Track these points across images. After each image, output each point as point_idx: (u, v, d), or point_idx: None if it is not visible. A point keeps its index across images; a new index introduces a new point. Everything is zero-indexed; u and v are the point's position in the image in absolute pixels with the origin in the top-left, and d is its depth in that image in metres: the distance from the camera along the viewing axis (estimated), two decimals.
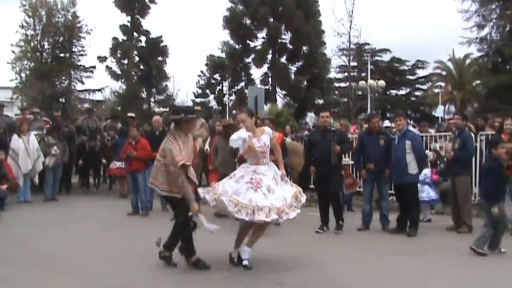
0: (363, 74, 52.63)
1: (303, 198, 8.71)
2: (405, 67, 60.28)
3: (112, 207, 16.52)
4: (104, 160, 20.15)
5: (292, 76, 51.43)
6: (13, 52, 46.09)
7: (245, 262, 8.37)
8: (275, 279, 7.76)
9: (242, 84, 51.98)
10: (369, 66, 48.97)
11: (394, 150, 12.07)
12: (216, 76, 55.61)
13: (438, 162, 14.72)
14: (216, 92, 55.90)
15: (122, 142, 16.87)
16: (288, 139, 17.90)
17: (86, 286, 7.32)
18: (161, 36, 53.11)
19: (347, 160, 14.13)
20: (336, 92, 58.47)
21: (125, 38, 51.77)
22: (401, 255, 9.69)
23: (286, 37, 51.90)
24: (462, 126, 12.92)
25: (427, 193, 13.65)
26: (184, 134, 8.45)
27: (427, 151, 14.64)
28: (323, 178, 12.29)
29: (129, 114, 22.31)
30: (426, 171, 13.67)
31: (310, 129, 21.50)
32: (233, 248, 8.77)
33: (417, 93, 61.77)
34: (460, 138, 12.51)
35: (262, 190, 8.23)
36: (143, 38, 53.02)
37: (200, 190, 8.67)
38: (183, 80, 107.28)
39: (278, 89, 51.63)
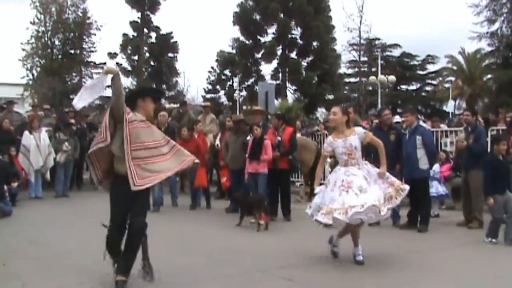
0: (373, 69, 52.53)
1: (399, 196, 8.59)
2: (415, 62, 60.06)
3: None
4: None
5: (303, 72, 51.40)
6: (23, 50, 46.18)
7: (358, 258, 8.59)
8: (285, 275, 7.77)
9: (252, 79, 51.94)
10: (379, 61, 48.90)
11: (405, 145, 12.06)
12: (227, 72, 55.54)
13: (448, 160, 14.76)
14: (227, 88, 55.82)
15: None
16: (298, 135, 17.90)
17: (95, 284, 7.33)
18: (172, 32, 53.18)
19: None
20: (347, 88, 58.37)
21: (135, 34, 51.86)
22: (412, 252, 9.67)
23: (296, 32, 51.97)
24: (473, 122, 12.92)
25: (435, 188, 13.66)
26: (141, 115, 7.28)
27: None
28: None
29: None
30: (435, 167, 13.65)
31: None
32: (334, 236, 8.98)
33: (427, 88, 61.56)
34: (473, 133, 12.50)
35: (354, 190, 8.22)
36: (153, 34, 53.12)
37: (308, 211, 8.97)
38: (194, 76, 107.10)
39: (288, 85, 51.60)
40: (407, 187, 8.73)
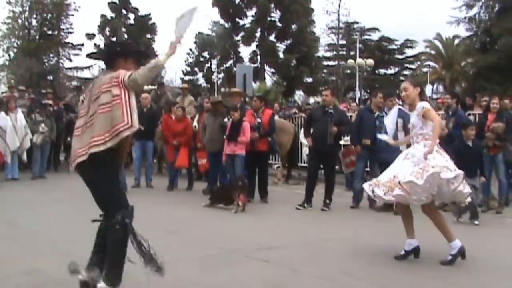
0: (351, 53, 52.68)
1: (407, 179, 7.64)
2: (394, 46, 60.20)
3: None
4: None
5: (281, 55, 51.42)
6: (0, 30, 45.83)
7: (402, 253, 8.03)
8: (262, 256, 7.78)
9: (231, 62, 51.89)
10: (358, 45, 49.01)
11: (384, 127, 12.06)
12: (205, 54, 55.44)
13: None
14: (205, 70, 55.78)
15: None
16: (276, 117, 17.91)
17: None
18: (150, 14, 53.10)
19: (347, 139, 14.16)
20: (325, 71, 58.42)
21: (113, 15, 51.69)
22: (385, 234, 9.72)
23: (275, 15, 51.89)
24: (453, 105, 12.99)
25: None
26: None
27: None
28: (319, 154, 12.39)
29: None
30: None
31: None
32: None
33: (405, 72, 61.70)
34: (454, 117, 12.56)
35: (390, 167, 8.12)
36: (131, 16, 53.06)
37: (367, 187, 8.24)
38: (172, 58, 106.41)
39: (266, 67, 51.65)
40: (433, 170, 7.56)
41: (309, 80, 51.62)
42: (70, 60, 49.75)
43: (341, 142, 13.61)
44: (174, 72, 73.03)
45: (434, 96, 47.38)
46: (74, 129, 5.82)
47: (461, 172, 7.65)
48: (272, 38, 52.34)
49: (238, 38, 52.15)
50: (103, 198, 5.91)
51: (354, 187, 12.97)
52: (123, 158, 6.15)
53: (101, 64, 49.11)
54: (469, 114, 14.77)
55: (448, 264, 7.55)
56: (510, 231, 10.61)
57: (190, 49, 55.98)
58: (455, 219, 10.51)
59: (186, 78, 53.86)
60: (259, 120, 13.37)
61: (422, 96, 8.24)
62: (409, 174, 7.55)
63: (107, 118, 5.46)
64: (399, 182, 7.57)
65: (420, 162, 7.59)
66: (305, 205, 12.26)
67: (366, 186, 8.23)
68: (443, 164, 7.58)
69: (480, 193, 11.03)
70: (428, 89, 54.57)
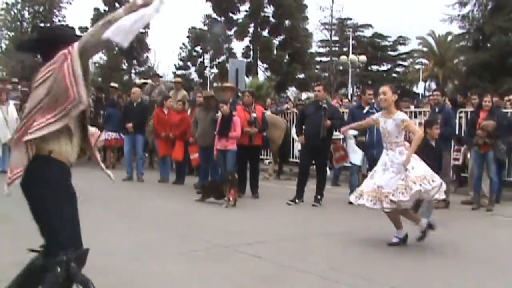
0: (344, 49, 52.78)
1: (408, 193, 8.04)
2: (386, 43, 60.33)
3: (92, 178, 16.44)
4: None
5: (274, 50, 51.42)
6: None
7: (393, 240, 8.57)
8: (252, 251, 7.79)
9: (224, 57, 51.87)
10: (350, 41, 49.08)
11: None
12: (198, 48, 55.39)
13: None
14: (197, 65, 55.70)
15: (115, 113, 17.26)
16: (268, 113, 17.93)
17: None
18: None
19: (337, 134, 14.19)
20: (318, 67, 58.48)
21: (106, 8, 51.43)
22: (376, 230, 9.74)
23: (269, 10, 51.89)
24: (442, 102, 13.04)
25: None
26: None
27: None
28: (311, 150, 12.41)
29: (112, 84, 22.51)
30: None
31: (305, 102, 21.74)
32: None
33: (398, 69, 61.89)
34: (441, 114, 12.58)
35: (370, 174, 8.64)
36: None
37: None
38: (164, 52, 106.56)
39: (259, 63, 51.63)
40: (415, 187, 8.02)
41: (302, 76, 51.65)
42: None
43: (334, 136, 13.61)
44: (166, 66, 73.07)
45: (427, 93, 47.48)
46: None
47: (439, 182, 8.24)
48: (265, 33, 52.35)
49: (231, 33, 52.13)
50: (45, 224, 4.72)
51: (351, 183, 13.00)
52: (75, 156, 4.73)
53: (94, 57, 49.08)
54: (461, 112, 14.81)
55: (421, 238, 8.48)
56: (501, 228, 10.64)
57: (183, 44, 55.95)
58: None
59: (179, 72, 53.73)
60: (254, 115, 13.40)
61: (398, 104, 8.77)
62: (396, 191, 8.04)
63: (48, 102, 4.13)
64: (386, 196, 8.08)
65: (401, 171, 8.13)
66: (296, 200, 12.27)
67: (352, 198, 8.75)
68: (422, 174, 8.15)
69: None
70: (421, 87, 54.72)
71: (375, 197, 8.19)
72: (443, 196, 8.61)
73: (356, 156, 12.79)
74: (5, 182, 4.57)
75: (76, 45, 4.15)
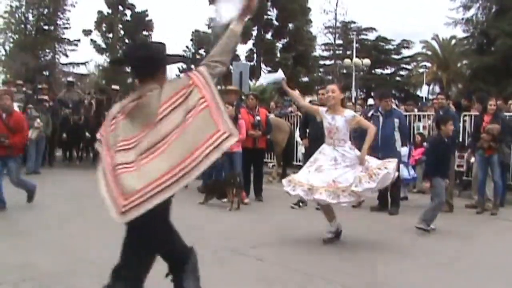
0: (348, 52, 52.70)
1: (372, 180, 8.28)
2: (390, 47, 60.28)
3: (95, 181, 16.43)
4: (88, 134, 20.27)
5: (278, 53, 51.44)
6: None
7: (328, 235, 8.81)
8: (256, 254, 7.79)
9: None
10: (354, 45, 48.98)
11: (382, 127, 12.03)
12: (201, 51, 55.41)
13: (424, 143, 14.79)
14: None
15: None
16: (272, 116, 17.93)
17: (66, 261, 7.29)
18: (147, 10, 52.99)
19: None
20: (321, 70, 58.50)
21: (110, 11, 51.58)
22: (379, 234, 9.74)
23: (272, 13, 51.92)
24: (446, 106, 13.02)
25: (401, 171, 13.62)
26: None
27: None
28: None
29: (113, 87, 22.54)
30: (403, 150, 13.64)
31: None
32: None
33: (402, 72, 61.82)
34: None
35: (311, 168, 8.53)
36: (128, 12, 52.90)
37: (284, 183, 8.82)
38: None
39: (263, 66, 51.60)
40: (381, 171, 8.36)
41: (306, 79, 51.66)
42: (66, 55, 49.71)
43: None
44: (169, 69, 73.20)
45: (431, 97, 47.45)
46: (116, 166, 4.20)
47: (395, 161, 8.78)
48: (268, 36, 52.37)
49: None
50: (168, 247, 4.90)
51: None
52: None
53: (97, 59, 49.00)
54: (465, 116, 14.79)
55: (329, 242, 8.66)
56: (505, 232, 10.61)
57: (187, 47, 56.04)
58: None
59: (182, 75, 53.76)
60: (258, 118, 13.41)
61: (344, 102, 9.08)
62: (359, 182, 8.21)
63: (189, 134, 4.12)
64: (343, 191, 8.21)
65: (356, 165, 8.38)
66: (300, 204, 12.25)
67: (285, 181, 8.82)
68: (380, 163, 8.56)
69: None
70: (424, 90, 54.62)
71: (332, 191, 8.18)
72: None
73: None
74: (113, 208, 4.24)
75: (205, 72, 4.41)
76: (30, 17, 47.46)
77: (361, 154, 8.47)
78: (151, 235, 4.48)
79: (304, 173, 8.57)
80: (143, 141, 4.17)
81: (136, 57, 4.55)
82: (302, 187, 8.36)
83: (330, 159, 8.45)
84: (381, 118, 12.15)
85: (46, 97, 19.30)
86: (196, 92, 4.26)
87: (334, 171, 8.34)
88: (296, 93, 10.06)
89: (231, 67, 38.33)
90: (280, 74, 8.98)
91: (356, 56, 45.54)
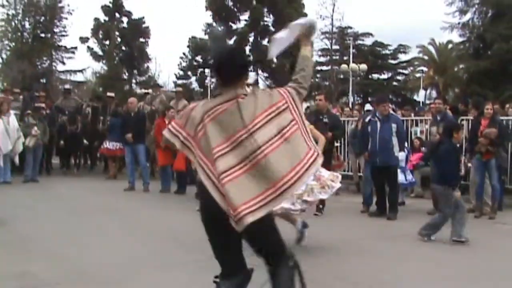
0: (345, 58, 52.73)
1: (324, 192, 8.43)
2: (387, 51, 60.24)
3: (93, 188, 16.48)
4: (85, 141, 20.32)
5: (274, 59, 51.46)
6: None
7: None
8: (252, 260, 7.76)
9: None
10: (351, 50, 49.07)
11: (379, 132, 12.05)
12: (198, 58, 55.44)
13: (422, 148, 14.79)
14: (198, 74, 55.73)
15: (118, 123, 17.27)
16: None
17: (64, 269, 7.28)
18: (143, 17, 52.96)
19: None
20: (318, 75, 58.40)
21: (107, 18, 51.56)
22: (379, 239, 9.73)
23: (269, 19, 51.95)
24: (443, 110, 13.03)
25: (399, 176, 13.61)
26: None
27: None
28: None
29: (108, 94, 22.59)
30: (400, 155, 13.60)
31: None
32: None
33: (399, 77, 61.78)
34: (443, 122, 12.57)
35: None
36: (125, 19, 52.84)
37: None
38: (165, 62, 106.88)
39: (260, 72, 51.63)
40: (336, 185, 8.51)
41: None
42: (63, 63, 49.71)
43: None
44: (167, 76, 73.02)
45: (428, 102, 47.48)
46: (220, 175, 4.22)
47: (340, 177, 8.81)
48: (265, 42, 52.38)
49: (231, 42, 52.17)
50: (270, 243, 4.86)
51: (363, 192, 13.00)
52: None
53: (94, 67, 49.01)
54: (462, 120, 14.80)
55: (300, 240, 8.56)
56: (504, 236, 10.61)
57: (184, 53, 56.02)
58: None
59: (180, 82, 53.78)
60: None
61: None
62: (311, 191, 8.26)
63: (286, 150, 4.33)
64: (298, 198, 8.16)
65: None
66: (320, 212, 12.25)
67: None
68: (329, 173, 8.67)
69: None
70: (421, 95, 54.69)
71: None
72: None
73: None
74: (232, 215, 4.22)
75: (295, 95, 4.64)
76: (27, 25, 47.47)
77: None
78: (256, 235, 4.58)
79: None
80: (239, 148, 4.30)
81: (232, 64, 4.63)
82: None
83: None
84: (378, 123, 12.16)
85: (43, 105, 19.30)
86: (289, 113, 4.48)
87: None
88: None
89: None
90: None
91: (353, 62, 45.61)
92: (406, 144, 13.91)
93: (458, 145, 10.25)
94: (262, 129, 4.31)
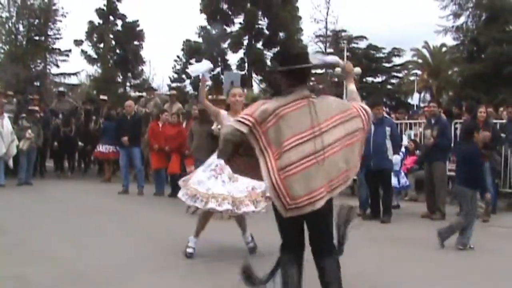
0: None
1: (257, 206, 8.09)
2: (381, 55, 60.17)
3: (87, 191, 16.47)
4: (80, 143, 20.33)
5: (268, 62, 51.47)
6: None
7: (189, 250, 8.11)
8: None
9: (219, 69, 51.88)
10: (345, 53, 49.05)
11: (371, 135, 12.06)
12: (192, 61, 55.39)
13: (417, 151, 14.82)
14: (192, 77, 55.65)
15: (111, 126, 17.29)
16: None
17: (57, 273, 7.27)
18: (138, 20, 52.85)
19: None
20: (313, 79, 58.36)
21: (101, 21, 51.45)
22: (373, 242, 9.74)
23: (263, 22, 51.94)
24: (438, 114, 13.05)
25: (393, 179, 13.61)
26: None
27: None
28: None
29: (101, 97, 22.62)
30: (394, 158, 13.61)
31: None
32: (192, 236, 8.34)
33: (393, 80, 61.74)
34: (437, 125, 12.61)
35: (223, 177, 7.92)
36: (119, 22, 52.71)
37: (180, 183, 8.46)
38: (159, 65, 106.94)
39: (254, 75, 51.64)
40: (263, 204, 8.09)
41: None
42: (58, 66, 49.58)
43: None
44: (161, 79, 72.91)
45: (422, 105, 47.54)
46: (284, 168, 4.78)
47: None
48: (259, 45, 52.41)
49: (225, 45, 52.20)
50: (328, 233, 5.44)
51: (359, 195, 13.01)
52: None
53: (88, 70, 48.93)
54: (456, 123, 14.82)
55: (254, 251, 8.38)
56: (498, 239, 10.62)
57: (178, 56, 55.93)
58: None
59: (174, 85, 53.65)
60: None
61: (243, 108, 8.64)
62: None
63: (346, 154, 4.98)
64: (261, 196, 7.90)
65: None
66: None
67: (182, 195, 8.29)
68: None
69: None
70: (416, 98, 54.71)
71: (254, 200, 7.92)
72: None
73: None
74: (279, 202, 4.89)
75: (370, 113, 5.46)
76: (21, 28, 47.32)
77: None
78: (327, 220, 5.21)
79: (217, 184, 7.95)
80: (307, 144, 4.83)
81: (304, 66, 5.21)
82: (227, 200, 7.83)
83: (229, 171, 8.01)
84: (372, 126, 12.15)
85: (36, 108, 19.28)
86: (358, 122, 5.11)
87: (247, 179, 7.67)
88: (203, 92, 9.08)
89: (222, 76, 38.39)
90: (206, 65, 8.06)
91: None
92: (402, 148, 13.95)
93: (477, 148, 9.88)
94: (330, 131, 4.89)
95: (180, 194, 8.26)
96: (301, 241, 5.40)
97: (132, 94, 35.69)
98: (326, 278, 5.37)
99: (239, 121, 4.92)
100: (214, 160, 8.03)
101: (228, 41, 51.74)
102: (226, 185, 7.83)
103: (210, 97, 18.28)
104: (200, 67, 8.01)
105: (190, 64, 53.03)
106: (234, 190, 7.82)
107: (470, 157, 9.47)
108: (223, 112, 8.16)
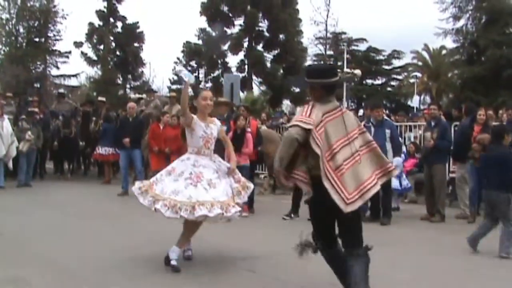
0: (339, 63, 52.72)
1: (246, 193, 8.18)
2: (381, 57, 60.21)
3: (87, 193, 16.46)
4: (81, 143, 20.34)
5: (268, 64, 51.45)
6: None
7: (173, 262, 7.65)
8: (247, 266, 7.77)
9: (218, 71, 51.89)
10: (345, 55, 49.11)
11: (374, 138, 12.03)
12: (192, 63, 55.37)
13: (416, 154, 14.81)
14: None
15: (111, 128, 17.30)
16: (263, 127, 17.95)
17: (56, 276, 7.27)
18: (138, 22, 52.84)
19: None
20: None
21: (101, 23, 51.43)
22: (373, 244, 9.71)
23: (263, 25, 51.91)
24: (438, 116, 13.05)
25: (393, 182, 13.55)
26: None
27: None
28: None
29: (100, 98, 22.64)
30: (395, 160, 13.59)
31: None
32: (174, 246, 7.94)
33: (393, 83, 61.78)
34: (438, 128, 12.60)
35: (203, 184, 7.67)
36: (119, 24, 52.69)
37: (134, 189, 8.01)
38: (159, 66, 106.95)
39: (254, 77, 51.60)
40: (251, 185, 8.38)
41: (297, 90, 51.64)
42: (58, 68, 49.55)
43: None
44: (161, 81, 72.81)
45: (422, 107, 47.54)
46: (339, 167, 5.53)
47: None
48: (259, 47, 52.36)
49: (226, 47, 52.18)
50: (358, 231, 6.15)
51: None
52: None
53: (88, 71, 48.90)
54: (456, 126, 14.82)
55: (172, 268, 7.54)
56: (497, 241, 10.60)
57: (178, 58, 55.92)
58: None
59: (174, 87, 53.65)
60: (249, 130, 13.37)
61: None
62: (237, 195, 7.99)
63: (372, 155, 5.87)
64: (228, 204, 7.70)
65: (225, 175, 8.05)
66: (292, 215, 12.27)
67: (160, 206, 7.83)
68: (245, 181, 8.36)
69: None
70: (415, 100, 54.74)
71: (227, 204, 7.67)
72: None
73: None
74: (339, 199, 5.45)
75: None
76: (21, 29, 47.30)
77: (232, 165, 8.11)
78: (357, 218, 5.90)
79: (200, 192, 7.61)
80: (347, 148, 5.63)
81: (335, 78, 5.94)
82: (215, 206, 7.57)
83: (213, 172, 7.89)
84: (372, 129, 12.16)
85: (36, 109, 19.27)
86: (367, 136, 5.99)
87: (223, 183, 7.89)
88: (187, 96, 8.87)
89: (222, 78, 38.39)
90: (189, 77, 8.25)
91: (347, 67, 45.60)
92: (403, 149, 13.95)
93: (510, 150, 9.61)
94: (357, 139, 5.73)
95: (147, 203, 7.91)
96: (333, 235, 6.11)
97: (132, 96, 35.64)
98: (353, 278, 5.81)
99: (303, 121, 5.44)
100: (186, 168, 7.81)
101: (228, 43, 51.69)
102: (209, 191, 7.64)
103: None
104: (188, 74, 8.35)
105: (190, 66, 53.15)
106: (218, 195, 7.67)
107: (504, 160, 9.21)
108: (196, 118, 8.03)
